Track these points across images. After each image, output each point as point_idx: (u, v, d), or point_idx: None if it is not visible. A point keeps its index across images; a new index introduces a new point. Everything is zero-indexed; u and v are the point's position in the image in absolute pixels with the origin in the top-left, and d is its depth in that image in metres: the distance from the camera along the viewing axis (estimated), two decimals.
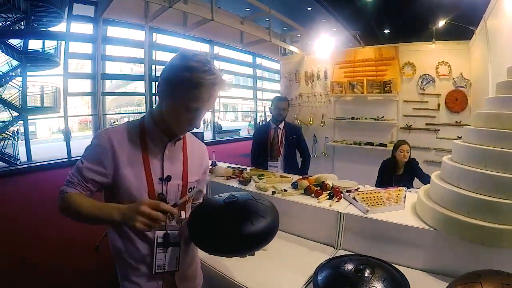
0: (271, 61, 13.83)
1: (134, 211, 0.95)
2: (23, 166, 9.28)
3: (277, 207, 1.94)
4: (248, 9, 7.81)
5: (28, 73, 9.80)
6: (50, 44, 10.22)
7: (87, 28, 9.74)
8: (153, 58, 11.45)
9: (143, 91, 11.83)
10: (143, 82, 11.54)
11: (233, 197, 1.17)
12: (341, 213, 1.75)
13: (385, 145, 5.00)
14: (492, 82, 3.13)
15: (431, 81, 4.77)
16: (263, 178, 2.62)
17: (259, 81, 16.29)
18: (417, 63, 4.89)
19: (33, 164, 9.45)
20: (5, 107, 9.73)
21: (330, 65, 5.81)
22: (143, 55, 10.81)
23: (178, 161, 1.19)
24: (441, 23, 4.83)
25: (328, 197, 2.00)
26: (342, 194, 2.02)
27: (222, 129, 17.39)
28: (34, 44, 9.86)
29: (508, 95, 1.48)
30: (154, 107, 1.17)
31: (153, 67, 11.45)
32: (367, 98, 5.41)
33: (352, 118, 5.53)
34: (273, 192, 2.18)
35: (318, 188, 2.12)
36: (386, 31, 10.20)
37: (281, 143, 3.41)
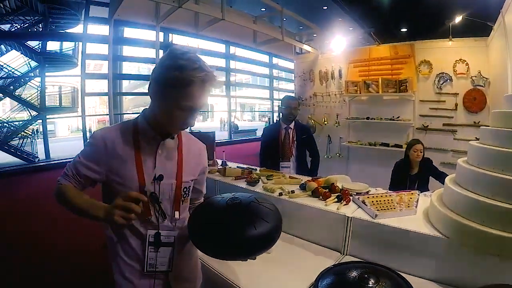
0: (287, 61, 13.74)
1: (112, 206, 0.98)
2: (41, 163, 9.51)
3: (283, 209, 1.92)
4: (264, 9, 7.76)
5: (47, 74, 10.05)
6: (68, 45, 10.46)
7: (103, 30, 9.93)
8: None
9: None
10: None
11: (236, 198, 1.15)
12: (348, 217, 1.68)
13: (401, 146, 4.85)
14: None
15: (448, 80, 4.60)
16: (272, 179, 2.57)
17: (275, 81, 16.20)
18: (434, 61, 4.71)
19: (51, 162, 9.67)
20: (24, 107, 10.02)
21: (345, 64, 5.70)
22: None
23: (172, 160, 1.19)
24: (458, 19, 4.65)
25: (336, 199, 1.93)
26: (351, 197, 1.94)
27: (239, 129, 17.42)
28: (52, 46, 10.12)
29: None
30: (147, 108, 1.18)
31: None
32: (383, 98, 5.27)
33: (367, 118, 5.39)
34: (280, 194, 2.13)
35: (327, 190, 2.05)
36: (403, 30, 9.98)
37: (292, 143, 3.35)
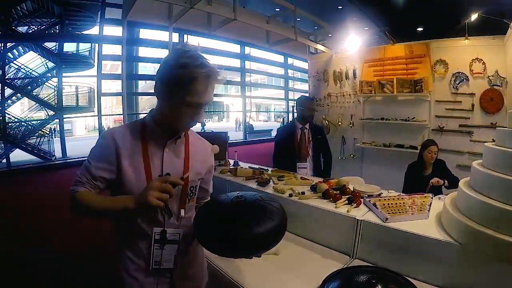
0: (302, 61, 13.67)
1: (146, 190, 1.00)
2: (58, 162, 9.72)
3: (292, 210, 1.92)
4: (278, 9, 7.74)
5: (64, 74, 10.25)
6: (84, 47, 10.69)
7: (118, 31, 10.10)
8: None
9: None
10: None
11: (241, 196, 1.16)
12: (358, 220, 1.65)
13: (416, 148, 4.74)
14: None
15: (464, 80, 4.47)
16: (283, 180, 2.56)
17: (290, 81, 16.14)
18: (450, 61, 4.58)
19: (68, 160, 9.87)
20: (42, 106, 10.28)
21: (359, 64, 5.62)
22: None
23: (179, 159, 1.21)
24: (474, 16, 4.51)
25: (347, 202, 1.90)
26: (362, 200, 1.91)
27: (254, 129, 17.43)
28: (69, 47, 10.35)
29: None
30: (154, 108, 1.19)
31: None
32: (397, 98, 5.16)
33: (382, 118, 5.30)
34: (290, 195, 2.12)
35: (337, 192, 2.03)
36: (420, 29, 9.80)
37: (308, 143, 3.33)
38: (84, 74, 11.70)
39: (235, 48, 12.46)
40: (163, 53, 11.20)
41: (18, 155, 9.38)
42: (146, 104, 21.56)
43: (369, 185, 2.30)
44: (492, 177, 1.26)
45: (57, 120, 10.68)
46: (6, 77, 9.20)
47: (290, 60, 15.34)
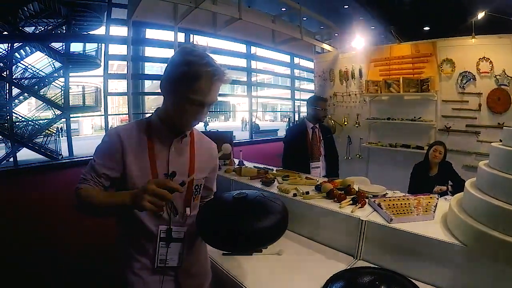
0: (308, 60, 13.64)
1: (142, 190, 0.95)
2: (64, 160, 9.83)
3: (296, 210, 1.92)
4: (284, 9, 7.74)
5: (70, 74, 10.38)
6: (90, 47, 10.78)
7: (124, 31, 10.16)
8: None
9: None
10: None
11: (243, 193, 1.19)
12: (362, 220, 1.64)
13: (422, 148, 4.69)
14: None
15: (471, 79, 4.41)
16: (287, 180, 2.55)
17: (297, 81, 16.12)
18: (456, 60, 4.52)
19: (74, 159, 9.99)
20: (49, 106, 10.39)
21: (365, 63, 5.59)
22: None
23: (185, 157, 1.21)
24: (481, 15, 4.45)
25: (351, 202, 1.89)
26: (366, 200, 1.90)
27: (260, 129, 17.42)
28: (76, 47, 10.44)
29: None
30: (160, 106, 1.19)
31: None
32: (404, 98, 5.12)
33: (388, 118, 5.26)
34: (294, 194, 2.11)
35: (342, 192, 2.01)
36: (426, 28, 9.73)
37: (320, 142, 3.31)
38: (90, 74, 11.81)
39: (241, 47, 12.46)
40: (169, 53, 11.27)
41: (25, 154, 9.50)
42: (152, 104, 21.71)
43: (374, 185, 2.28)
44: (499, 178, 1.23)
45: (64, 120, 10.82)
46: (13, 77, 9.32)
47: (296, 60, 15.32)
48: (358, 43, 5.74)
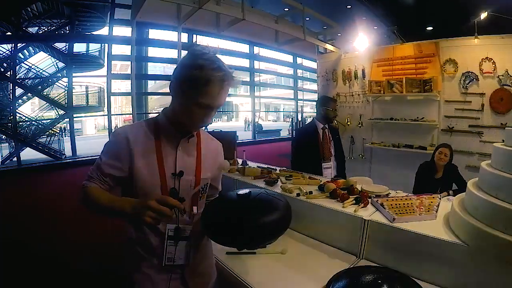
0: (311, 60, 13.64)
1: (143, 205, 0.98)
2: (68, 160, 9.87)
3: (300, 209, 1.93)
4: (287, 9, 7.75)
5: (74, 74, 10.42)
6: (94, 47, 10.82)
7: (128, 31, 10.20)
8: None
9: None
10: None
11: (247, 191, 1.21)
12: (365, 220, 1.65)
13: (425, 148, 4.71)
14: None
15: (474, 79, 4.41)
16: (291, 179, 2.57)
17: (300, 81, 16.10)
18: (459, 60, 4.52)
19: (78, 159, 10.02)
20: (52, 106, 10.44)
21: (368, 63, 5.59)
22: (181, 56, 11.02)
23: (192, 157, 1.23)
24: (483, 15, 4.44)
25: (354, 202, 1.90)
26: (369, 200, 1.91)
27: (263, 129, 17.42)
28: (79, 47, 10.49)
29: None
30: (168, 106, 1.21)
31: None
32: (407, 98, 5.12)
33: (391, 119, 5.27)
34: (298, 194, 2.12)
35: (345, 192, 2.03)
36: (429, 28, 9.70)
37: (330, 143, 3.33)
38: (94, 74, 11.85)
39: (244, 48, 12.46)
40: (172, 53, 11.30)
41: (28, 154, 9.53)
42: (156, 104, 21.76)
43: (377, 185, 2.29)
44: (501, 178, 1.25)
45: (67, 120, 10.85)
46: (17, 77, 9.35)
47: (299, 60, 15.29)
48: (361, 43, 5.74)
